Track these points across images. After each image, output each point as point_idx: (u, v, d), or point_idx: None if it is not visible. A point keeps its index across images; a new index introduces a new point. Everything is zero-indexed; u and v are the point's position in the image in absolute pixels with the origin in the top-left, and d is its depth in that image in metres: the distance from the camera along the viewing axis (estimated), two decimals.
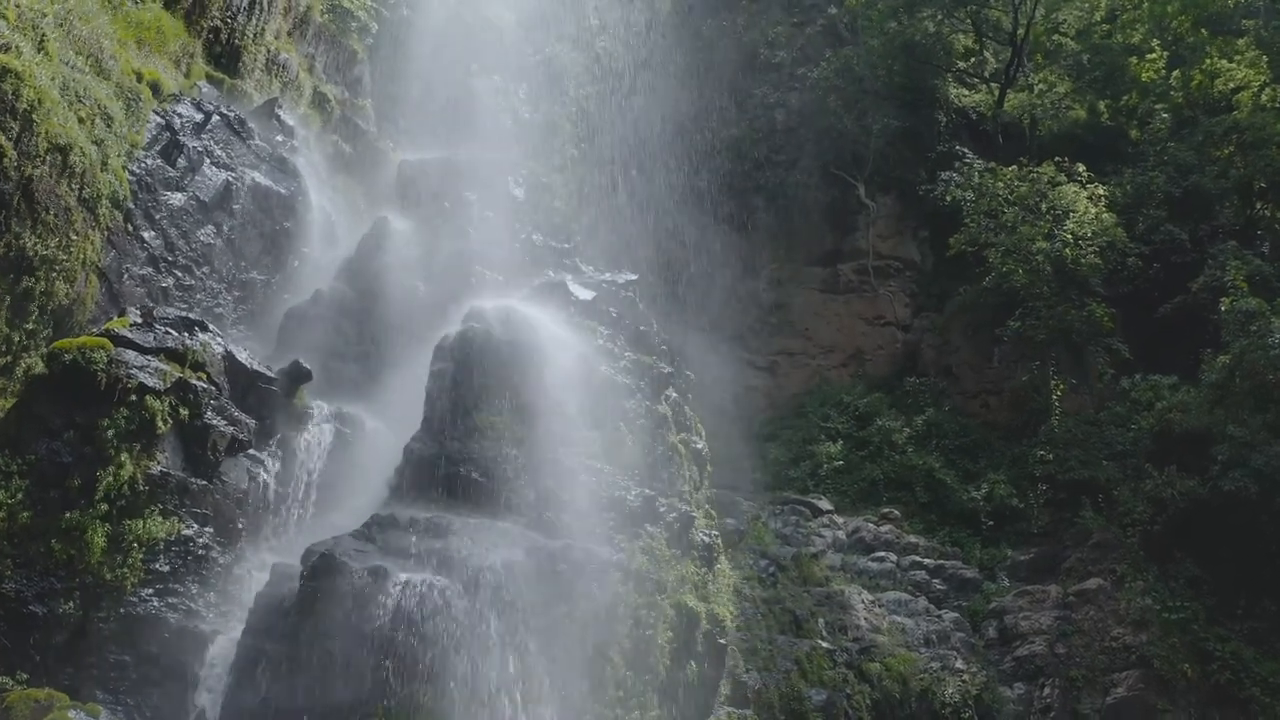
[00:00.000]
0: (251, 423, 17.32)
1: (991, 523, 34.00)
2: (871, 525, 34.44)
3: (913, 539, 33.82)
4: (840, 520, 35.14)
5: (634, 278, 23.09)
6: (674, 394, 21.01)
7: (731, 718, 23.20)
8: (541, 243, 23.14)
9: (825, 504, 35.84)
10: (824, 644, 27.24)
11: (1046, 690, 28.02)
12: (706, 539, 19.50)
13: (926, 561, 32.76)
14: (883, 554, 32.88)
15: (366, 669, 13.81)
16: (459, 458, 16.08)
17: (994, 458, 36.54)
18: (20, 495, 14.79)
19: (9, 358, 16.51)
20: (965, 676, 28.15)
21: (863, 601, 29.73)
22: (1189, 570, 29.21)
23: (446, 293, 20.92)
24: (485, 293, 20.45)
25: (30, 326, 16.82)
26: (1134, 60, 43.16)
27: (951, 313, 41.06)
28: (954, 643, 29.50)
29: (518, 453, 16.39)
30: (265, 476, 17.64)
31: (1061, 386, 35.67)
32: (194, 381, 16.50)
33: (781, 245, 44.62)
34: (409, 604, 13.83)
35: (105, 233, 18.24)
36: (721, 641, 18.35)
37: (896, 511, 35.09)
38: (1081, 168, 36.25)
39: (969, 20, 45.20)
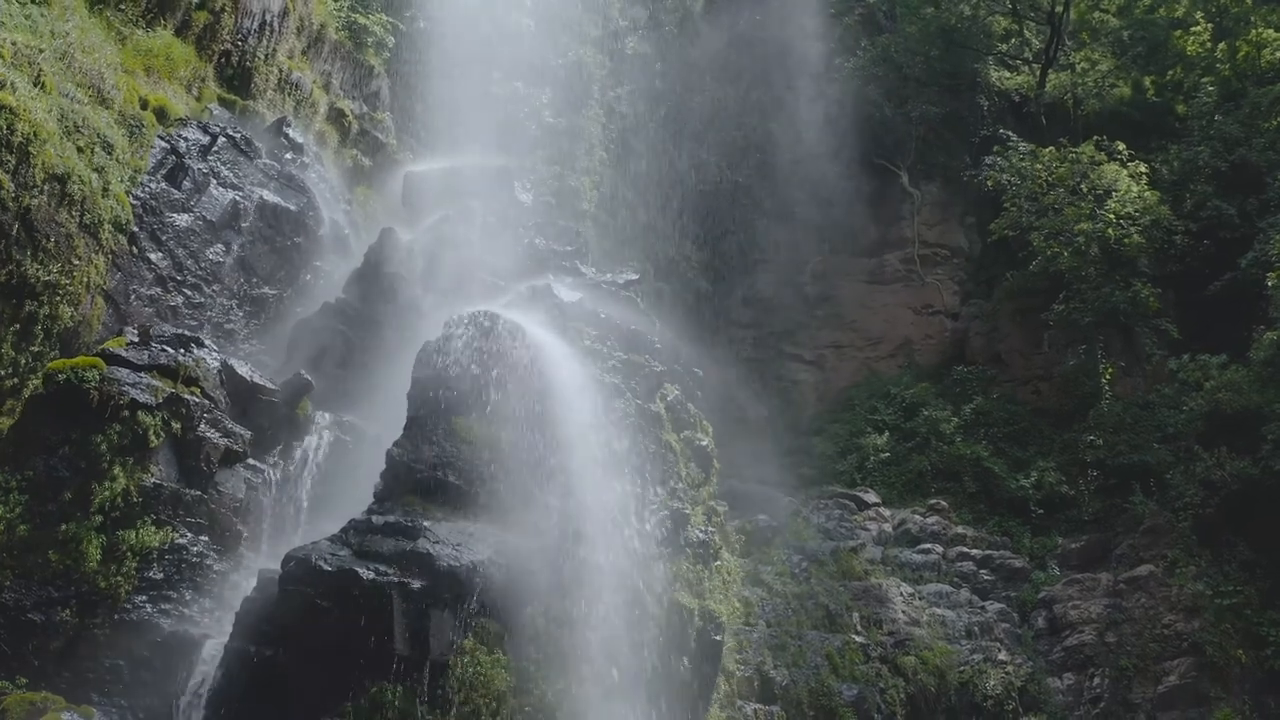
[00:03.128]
0: (247, 434, 17.89)
1: (1041, 511, 33.64)
2: (918, 517, 34.14)
3: (960, 530, 33.48)
4: (887, 513, 34.91)
5: (635, 278, 23.20)
6: (675, 392, 21.10)
7: (759, 715, 23.22)
8: (544, 247, 23.41)
9: (872, 497, 35.61)
10: (858, 638, 27.08)
11: (1096, 680, 27.66)
12: (703, 536, 19.56)
13: (974, 552, 32.39)
14: (928, 546, 32.64)
15: (338, 670, 14.21)
16: (436, 462, 16.42)
17: (1044, 445, 36.02)
18: (19, 509, 15.49)
19: (15, 380, 17.27)
20: (1009, 668, 27.83)
21: (901, 594, 29.48)
22: (1242, 553, 28.59)
23: (450, 300, 21.26)
24: (487, 299, 20.76)
25: (36, 349, 17.56)
26: (1178, 34, 42.05)
27: (999, 299, 40.59)
28: (997, 634, 29.16)
29: (495, 455, 16.68)
30: (265, 485, 18.21)
31: (1111, 369, 34.95)
32: (186, 396, 17.11)
33: (826, 238, 44.47)
34: (374, 604, 14.19)
35: (109, 256, 18.96)
36: (717, 638, 18.39)
37: (944, 502, 34.77)
38: (1121, 146, 35.46)
39: (1007, 1, 44.41)
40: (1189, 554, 28.99)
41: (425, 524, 15.31)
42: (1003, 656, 28.11)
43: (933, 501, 34.84)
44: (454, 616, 14.67)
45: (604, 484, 17.72)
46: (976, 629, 29.09)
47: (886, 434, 37.82)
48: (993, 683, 27.10)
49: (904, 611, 28.77)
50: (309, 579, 14.55)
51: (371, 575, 14.37)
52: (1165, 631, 27.88)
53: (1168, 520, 30.16)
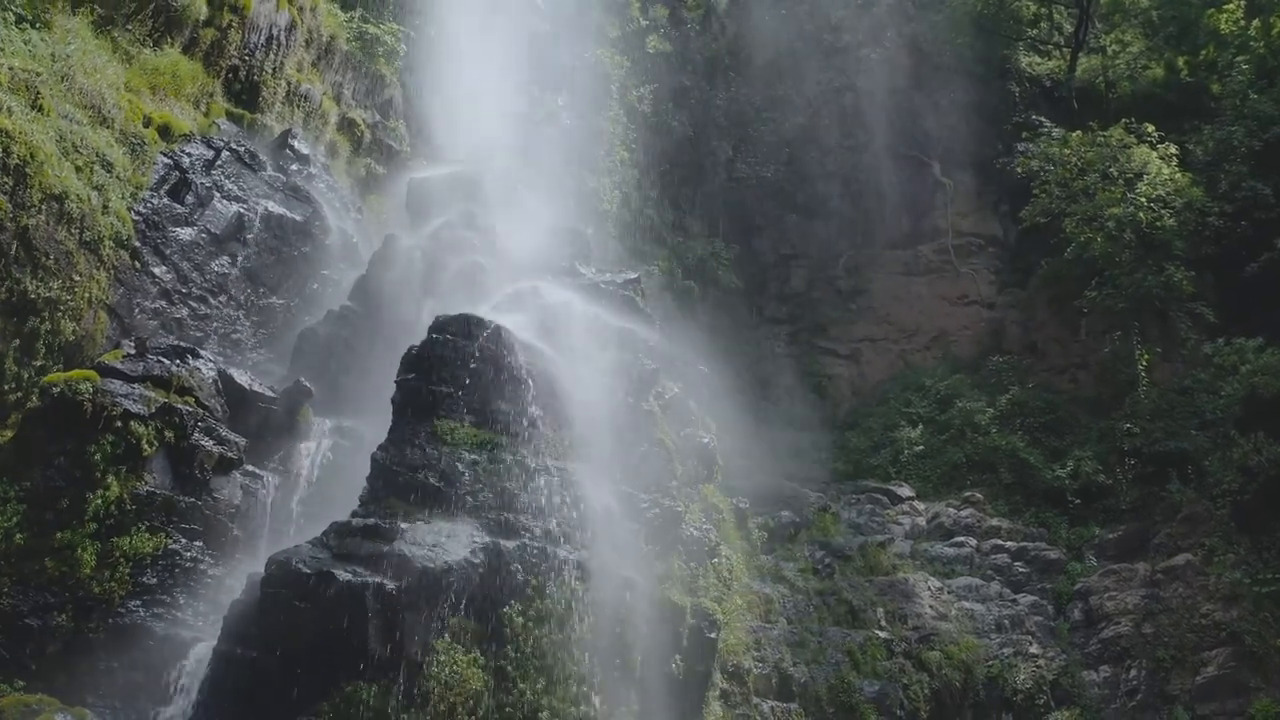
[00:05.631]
0: (242, 441, 18.24)
1: (1078, 501, 33.13)
2: (952, 510, 33.75)
3: (995, 522, 33.04)
4: (921, 506, 34.59)
5: (635, 277, 23.20)
6: (675, 390, 21.10)
7: (775, 712, 23.14)
8: (546, 248, 23.57)
9: (906, 490, 35.31)
10: (881, 634, 26.87)
11: (1133, 672, 27.24)
12: (697, 534, 19.54)
13: (1008, 544, 31.99)
14: (961, 539, 32.28)
15: (316, 670, 14.45)
16: (418, 464, 16.64)
17: (1080, 434, 35.49)
18: (16, 519, 15.98)
19: (20, 394, 17.82)
20: (1040, 661, 27.50)
21: (929, 589, 29.19)
22: None
23: (449, 305, 21.44)
24: (482, 302, 20.95)
25: (39, 364, 18.11)
26: (1210, 12, 41.07)
27: (1036, 287, 40.04)
28: (1029, 627, 28.77)
29: (477, 457, 16.83)
30: (263, 491, 18.56)
31: (1148, 356, 34.26)
32: (179, 405, 17.50)
33: (858, 231, 44.26)
34: (350, 605, 14.41)
35: (111, 271, 19.48)
36: (710, 636, 18.35)
37: (979, 494, 34.37)
38: (1151, 128, 34.75)
39: None
40: (1227, 542, 28.44)
41: (403, 525, 15.52)
42: (1034, 650, 27.75)
43: (967, 494, 34.47)
44: (430, 617, 14.85)
45: (591, 482, 17.77)
46: (1007, 622, 28.71)
47: (921, 427, 37.54)
48: (1023, 676, 26.80)
49: (931, 606, 28.47)
50: (288, 581, 14.82)
51: (348, 577, 14.61)
52: (1203, 621, 27.37)
53: (1205, 508, 29.59)
